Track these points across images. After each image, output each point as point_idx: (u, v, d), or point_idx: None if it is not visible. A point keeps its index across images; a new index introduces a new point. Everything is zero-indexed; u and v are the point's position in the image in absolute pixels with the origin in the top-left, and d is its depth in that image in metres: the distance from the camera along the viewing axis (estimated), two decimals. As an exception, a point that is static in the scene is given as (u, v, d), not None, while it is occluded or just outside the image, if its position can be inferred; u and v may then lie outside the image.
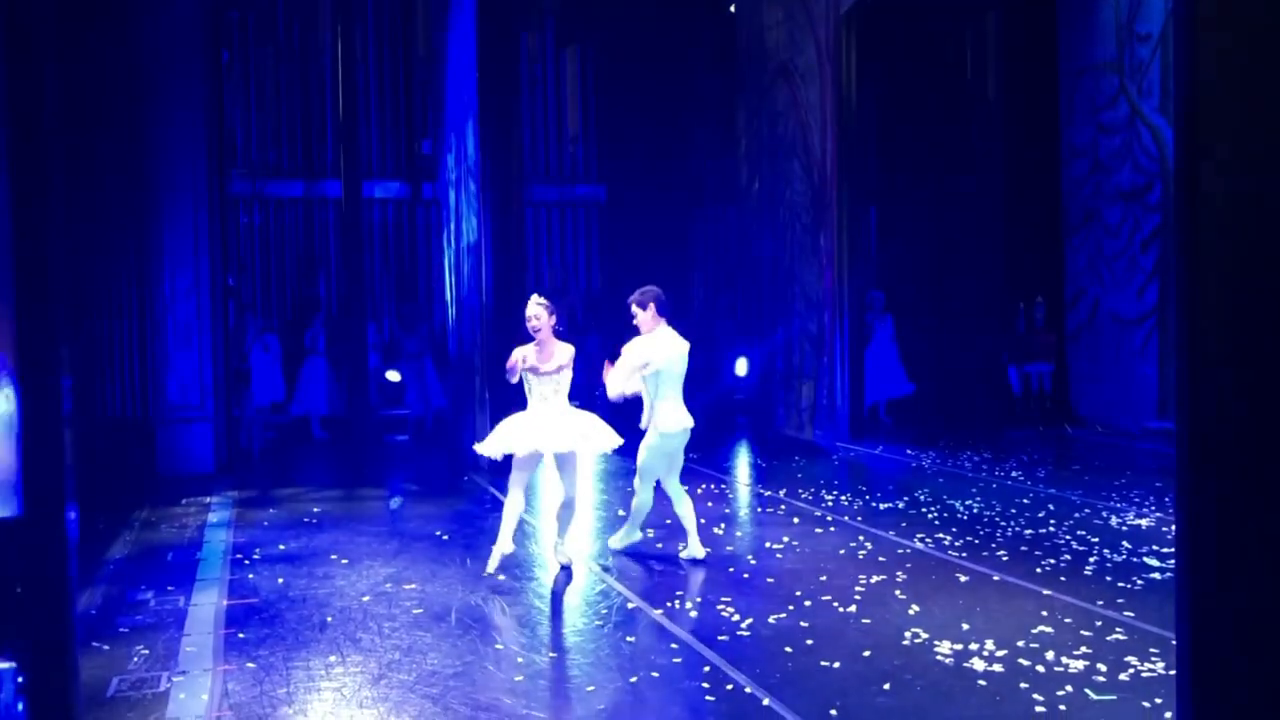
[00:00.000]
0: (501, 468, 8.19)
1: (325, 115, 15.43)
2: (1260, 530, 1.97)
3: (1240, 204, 2.05)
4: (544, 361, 7.13)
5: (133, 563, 7.76)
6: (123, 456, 9.53)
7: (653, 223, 15.36)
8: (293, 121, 15.45)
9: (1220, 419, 2.05)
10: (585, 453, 7.43)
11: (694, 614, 6.28)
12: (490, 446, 7.20)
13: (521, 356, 7.13)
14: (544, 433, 7.07)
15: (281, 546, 8.13)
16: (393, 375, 14.06)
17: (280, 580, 7.12)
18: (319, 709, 4.86)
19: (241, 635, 5.94)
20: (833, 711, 4.75)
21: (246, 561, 7.68)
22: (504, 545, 7.18)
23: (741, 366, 15.39)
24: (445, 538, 8.35)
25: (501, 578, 7.10)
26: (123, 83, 9.94)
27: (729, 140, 15.52)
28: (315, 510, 9.53)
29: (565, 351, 7.19)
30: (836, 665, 5.35)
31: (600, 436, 7.23)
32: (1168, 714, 4.64)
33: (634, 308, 7.51)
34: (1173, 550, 7.54)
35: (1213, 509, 2.04)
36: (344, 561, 7.60)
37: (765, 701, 4.89)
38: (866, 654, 5.51)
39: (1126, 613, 6.11)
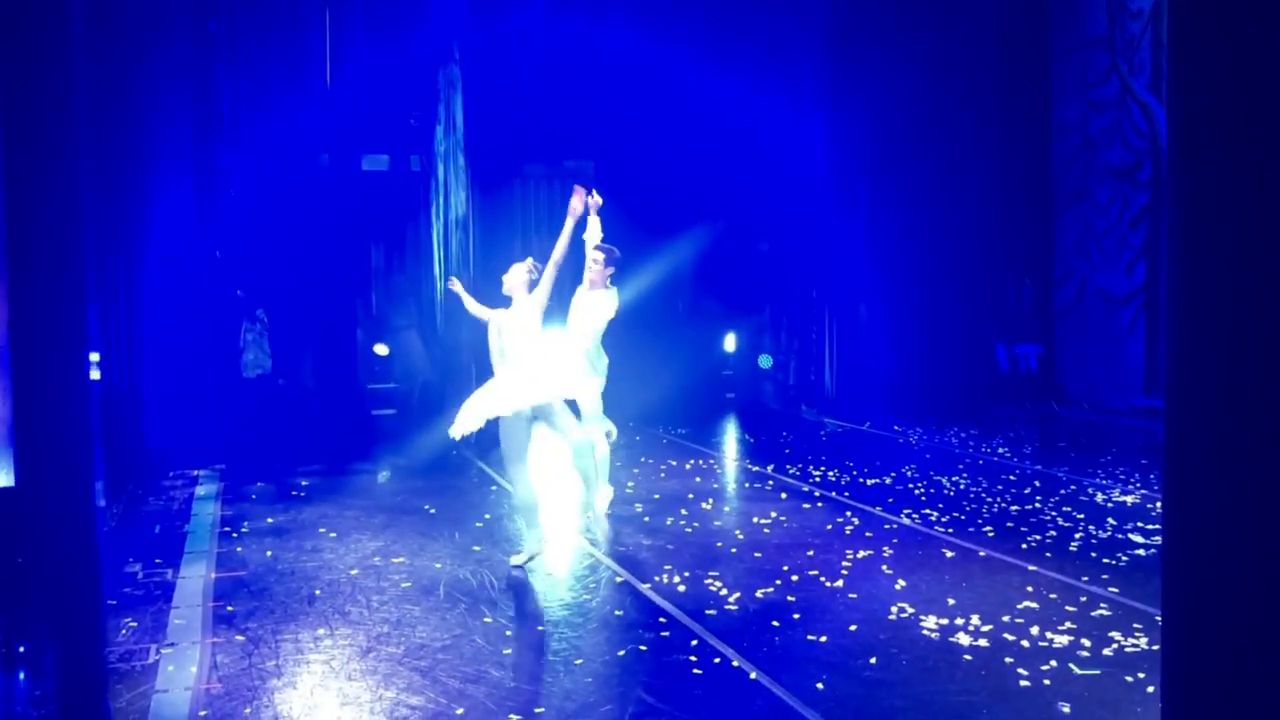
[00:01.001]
0: (488, 442, 8.17)
1: (314, 86, 15.28)
2: (1245, 508, 1.98)
3: (1231, 182, 2.05)
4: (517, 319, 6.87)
5: (120, 535, 7.74)
6: (110, 429, 9.50)
7: (644, 196, 15.29)
8: (281, 93, 15.30)
9: (1207, 397, 2.06)
10: (556, 396, 6.91)
11: (682, 588, 6.31)
12: (461, 423, 6.72)
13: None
14: (507, 392, 6.70)
15: (269, 520, 8.13)
16: (380, 349, 14.00)
17: (268, 553, 7.12)
18: (308, 681, 4.87)
19: (230, 608, 5.94)
20: (819, 685, 4.78)
21: (234, 535, 7.68)
22: (534, 545, 6.79)
23: (730, 342, 15.39)
24: (433, 511, 8.36)
25: (478, 548, 7.12)
26: (109, 54, 9.83)
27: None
28: (303, 484, 9.53)
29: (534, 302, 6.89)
30: (823, 639, 5.38)
31: (563, 378, 7.05)
32: (1150, 688, 4.68)
33: (603, 260, 7.92)
34: (1157, 527, 7.60)
35: (1198, 486, 2.05)
36: (332, 535, 7.60)
37: (752, 675, 4.92)
38: (853, 628, 5.54)
39: (1111, 589, 6.16)
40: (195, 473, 9.98)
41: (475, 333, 11.99)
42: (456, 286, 7.46)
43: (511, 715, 4.46)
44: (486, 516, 8.19)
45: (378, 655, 5.19)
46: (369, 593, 6.21)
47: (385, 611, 5.87)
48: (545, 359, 6.95)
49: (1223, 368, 2.03)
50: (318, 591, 6.23)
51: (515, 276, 6.99)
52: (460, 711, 4.50)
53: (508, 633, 5.51)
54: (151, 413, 11.00)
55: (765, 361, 15.17)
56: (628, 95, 14.63)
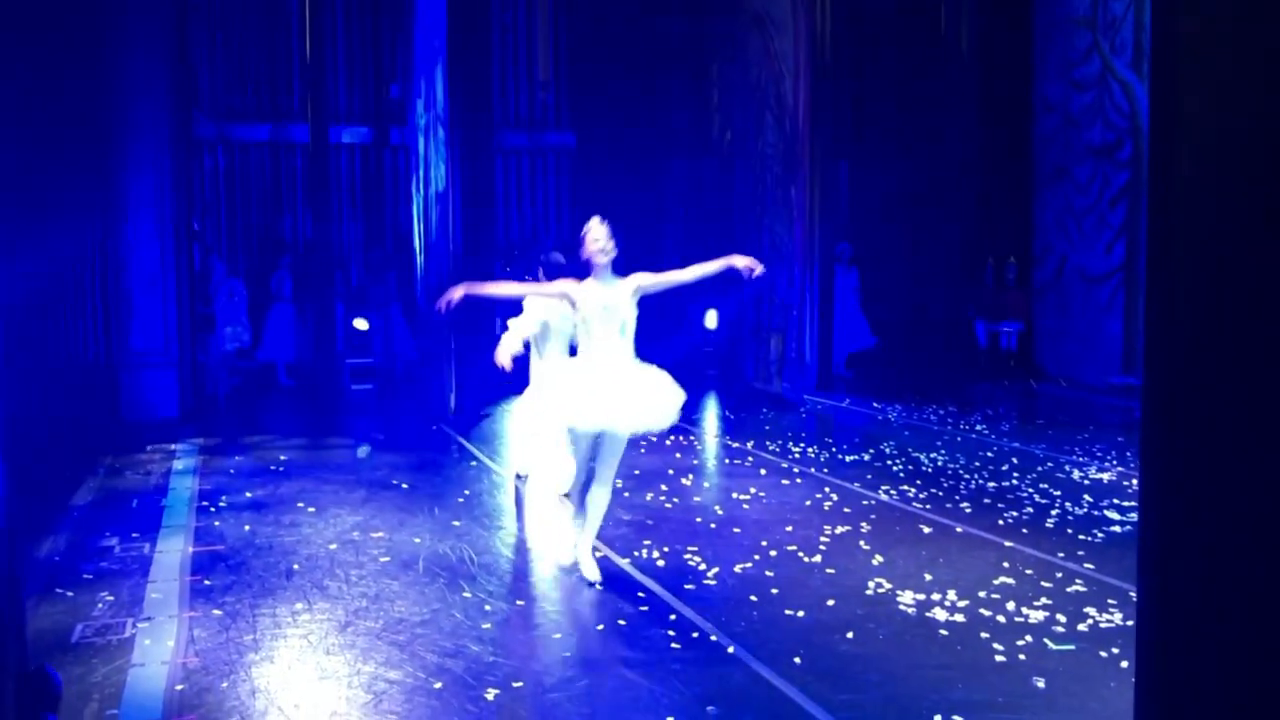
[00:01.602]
0: (467, 419, 8.18)
1: (292, 58, 15.15)
2: (1221, 486, 1.99)
3: (1212, 161, 2.05)
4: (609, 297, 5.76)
5: (97, 509, 7.70)
6: (86, 402, 9.43)
7: (625, 171, 15.25)
8: (259, 64, 15.17)
9: (1184, 375, 2.07)
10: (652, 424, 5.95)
11: (661, 563, 6.33)
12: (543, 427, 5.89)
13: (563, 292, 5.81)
14: (609, 404, 5.68)
15: (248, 494, 8.10)
16: (360, 323, 13.95)
17: (246, 528, 7.09)
18: (285, 656, 4.87)
19: (207, 582, 5.92)
20: (796, 659, 4.81)
21: (212, 509, 7.64)
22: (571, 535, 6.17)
23: (711, 319, 15.39)
24: (413, 487, 8.35)
25: (457, 523, 7.11)
26: (85, 23, 9.71)
27: (701, 89, 15.40)
28: (282, 458, 9.49)
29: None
30: (800, 614, 5.41)
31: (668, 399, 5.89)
32: (1125, 663, 4.73)
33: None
34: (1133, 504, 7.67)
35: (1176, 464, 2.06)
36: (311, 509, 7.58)
37: (730, 649, 4.94)
38: (830, 603, 5.57)
39: (1087, 565, 6.21)
40: (173, 446, 9.92)
41: (456, 307, 11.99)
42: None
43: (490, 689, 4.46)
44: (466, 492, 8.18)
45: (356, 630, 5.19)
46: (347, 567, 6.20)
47: (364, 586, 5.86)
48: (650, 375, 5.88)
49: (1201, 344, 2.03)
50: (296, 566, 6.22)
51: (607, 239, 5.81)
52: (438, 685, 4.50)
53: (487, 607, 5.52)
54: (128, 385, 10.94)
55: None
56: (608, 68, 14.57)
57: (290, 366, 13.81)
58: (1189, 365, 2.05)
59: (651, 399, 5.79)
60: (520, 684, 4.53)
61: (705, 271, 6.00)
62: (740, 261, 6.06)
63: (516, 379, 14.08)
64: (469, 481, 8.59)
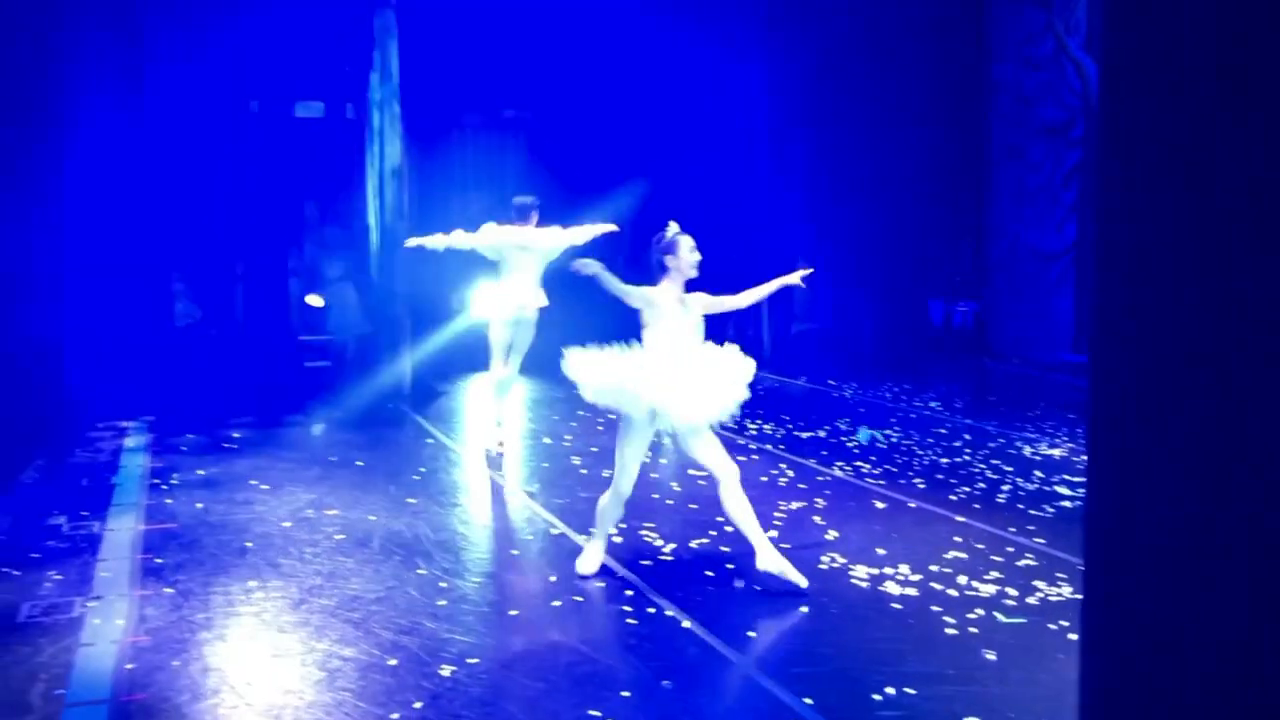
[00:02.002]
0: (423, 396, 8.12)
1: (245, 29, 14.86)
2: (1164, 462, 2.02)
3: (1158, 137, 2.07)
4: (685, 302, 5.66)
5: (45, 487, 7.58)
6: (34, 379, 9.26)
7: (585, 148, 15.16)
8: (213, 35, 14.86)
9: (1130, 351, 2.09)
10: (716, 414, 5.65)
11: (618, 540, 6.33)
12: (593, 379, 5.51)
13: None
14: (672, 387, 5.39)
15: (200, 471, 8.01)
16: (314, 300, 13.79)
17: (199, 505, 7.02)
18: (238, 633, 4.83)
19: (159, 560, 5.85)
20: (751, 634, 4.85)
21: (164, 486, 7.55)
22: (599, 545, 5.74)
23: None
24: (368, 464, 8.29)
25: (413, 500, 7.08)
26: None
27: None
28: (235, 435, 9.39)
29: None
30: (756, 589, 5.44)
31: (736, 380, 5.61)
32: (1073, 636, 4.81)
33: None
34: (1083, 479, 7.78)
35: (1119, 442, 2.08)
36: (264, 487, 7.51)
37: (685, 624, 4.97)
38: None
39: (1037, 539, 6.30)
40: (123, 424, 9.78)
41: (411, 285, 11.90)
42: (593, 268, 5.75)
43: (445, 666, 4.46)
44: (422, 469, 8.14)
45: (310, 607, 5.15)
46: (302, 545, 6.15)
47: (318, 564, 5.82)
48: (719, 365, 5.65)
49: (1146, 322, 2.06)
50: (249, 544, 6.16)
51: (690, 245, 5.69)
52: (393, 663, 4.49)
53: (442, 584, 5.50)
54: (75, 363, 10.75)
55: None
56: (566, 46, 14.47)
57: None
58: (1134, 342, 2.07)
59: (715, 390, 5.55)
60: (475, 660, 4.53)
61: (761, 294, 5.92)
62: (794, 278, 5.97)
63: (475, 359, 14.00)
64: (425, 459, 8.55)
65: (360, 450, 8.79)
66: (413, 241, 8.74)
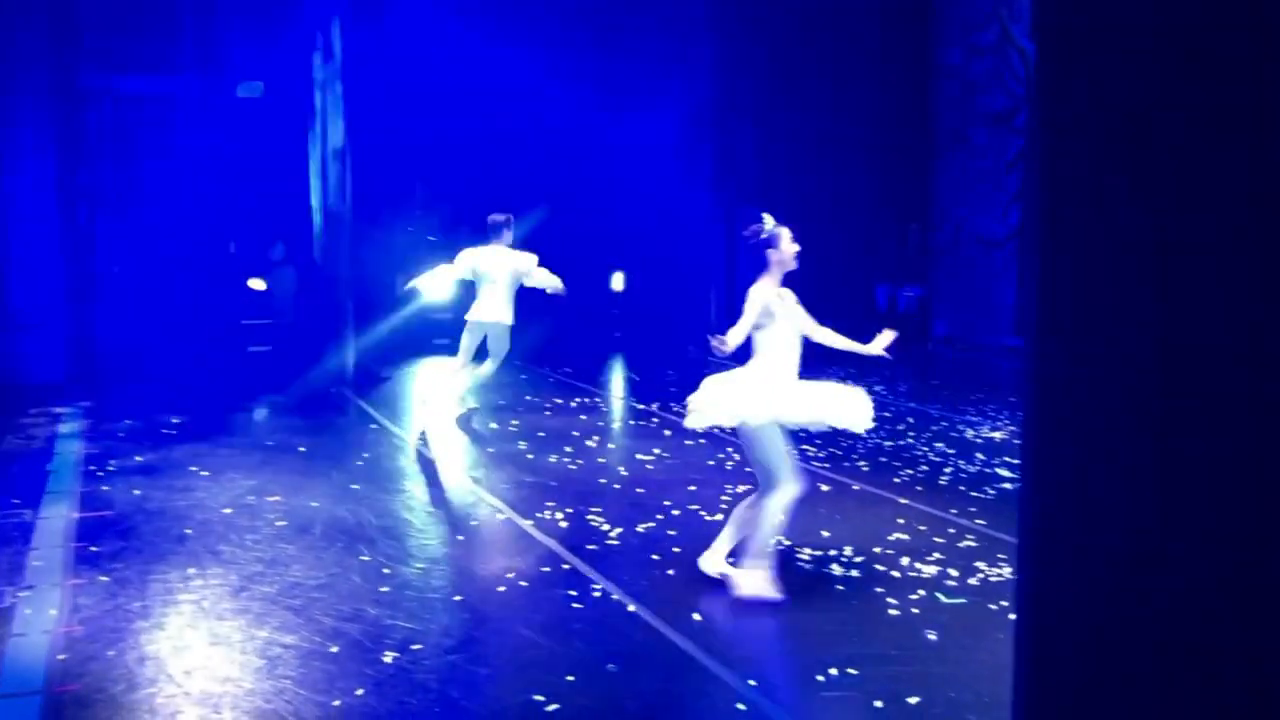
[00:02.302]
0: (367, 382, 8.03)
1: (184, 7, 14.55)
2: (1100, 443, 2.04)
3: (1094, 122, 2.08)
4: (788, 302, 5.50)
5: (-25, 475, 7.41)
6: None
7: (531, 132, 15.07)
8: (149, 14, 14.53)
9: (1067, 335, 2.11)
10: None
11: (564, 524, 6.32)
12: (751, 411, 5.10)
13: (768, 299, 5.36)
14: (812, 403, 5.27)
15: (138, 458, 7.86)
16: (256, 284, 13.58)
17: (136, 492, 6.88)
18: (176, 622, 4.74)
19: (94, 549, 5.73)
20: (696, 617, 4.85)
21: (100, 473, 7.40)
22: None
23: (618, 281, 15.37)
24: (310, 450, 8.19)
25: (356, 486, 7.01)
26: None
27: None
28: (175, 421, 9.22)
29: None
30: (701, 572, 5.44)
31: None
32: (1012, 616, 4.88)
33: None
34: (1023, 461, 7.90)
35: (1056, 426, 2.10)
36: (204, 473, 7.39)
37: (630, 608, 4.96)
38: (730, 560, 5.62)
39: (978, 521, 6.37)
40: (58, 410, 9.56)
41: (354, 268, 11.76)
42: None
43: (388, 652, 4.41)
44: (366, 455, 8.06)
45: (250, 594, 5.08)
46: (242, 531, 6.06)
47: (259, 550, 5.74)
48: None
49: (1081, 305, 2.07)
50: (188, 531, 6.06)
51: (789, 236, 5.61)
52: (335, 650, 4.44)
53: (386, 571, 5.45)
54: (8, 348, 10.50)
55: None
56: (513, 32, 14.35)
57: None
58: (1070, 325, 2.09)
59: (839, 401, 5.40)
60: (419, 647, 4.49)
61: (850, 347, 5.79)
62: (880, 346, 5.83)
63: (419, 343, 13.88)
64: (368, 445, 8.46)
65: (303, 436, 8.68)
66: (410, 285, 9.50)
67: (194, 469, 7.51)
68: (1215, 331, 1.82)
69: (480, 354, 9.10)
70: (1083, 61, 2.09)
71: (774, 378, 5.22)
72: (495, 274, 8.88)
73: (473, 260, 8.97)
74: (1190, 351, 1.86)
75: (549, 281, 9.04)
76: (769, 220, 5.56)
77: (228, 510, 6.48)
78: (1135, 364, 1.97)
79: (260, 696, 4.02)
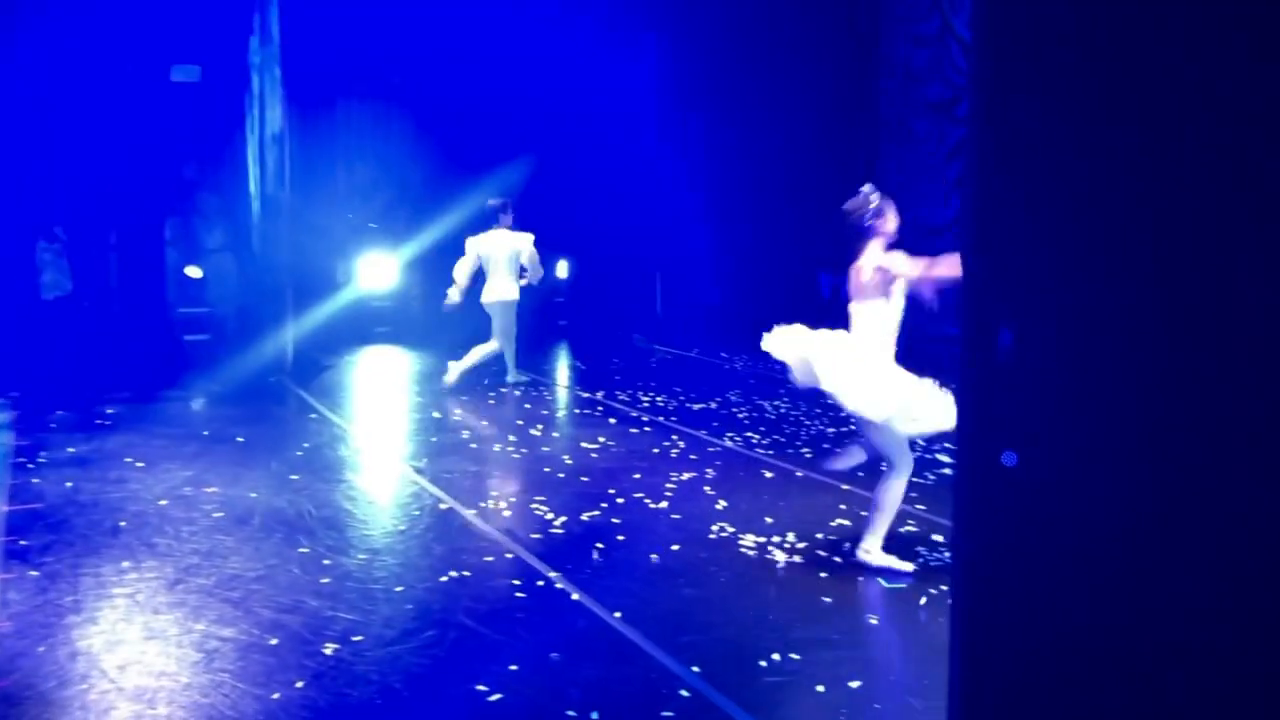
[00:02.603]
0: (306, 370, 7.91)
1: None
2: (1034, 429, 2.06)
3: (1033, 117, 2.09)
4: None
5: (-101, 468, 7.19)
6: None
7: (473, 118, 14.92)
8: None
9: (998, 328, 2.12)
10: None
11: (507, 514, 6.28)
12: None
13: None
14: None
15: (70, 449, 7.68)
16: (193, 271, 13.33)
17: (68, 484, 6.73)
18: (110, 616, 4.64)
19: (24, 542, 5.59)
20: (640, 604, 4.85)
21: (30, 465, 7.22)
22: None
23: (563, 269, 15.31)
24: (249, 440, 8.06)
25: (296, 476, 6.92)
26: None
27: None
28: (108, 412, 9.03)
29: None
30: (645, 560, 5.45)
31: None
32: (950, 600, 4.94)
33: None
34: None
35: (989, 409, 2.12)
36: (139, 465, 7.24)
37: (575, 596, 4.95)
38: (675, 548, 5.64)
39: (918, 506, 6.44)
40: (-14, 401, 9.32)
41: (294, 255, 11.57)
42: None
43: (329, 644, 4.36)
44: (306, 445, 7.95)
45: (187, 587, 4.99)
46: (178, 523, 5.95)
47: (196, 542, 5.63)
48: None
49: (1012, 294, 2.09)
50: (122, 523, 5.93)
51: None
52: (274, 642, 4.37)
53: (326, 562, 5.38)
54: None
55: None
56: (455, 15, 14.19)
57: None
58: (1005, 315, 2.10)
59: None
60: (360, 638, 4.44)
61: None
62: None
63: (359, 332, 13.72)
64: (308, 434, 8.35)
65: (241, 426, 8.54)
66: (450, 295, 10.06)
67: (128, 460, 7.35)
68: (1147, 317, 1.84)
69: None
70: (1020, 59, 2.10)
71: (889, 364, 5.40)
72: (496, 255, 9.88)
73: (476, 247, 9.92)
74: (1120, 338, 1.88)
75: (532, 266, 10.00)
76: (873, 193, 5.69)
77: (163, 502, 6.36)
78: (1067, 350, 1.99)
79: (197, 690, 3.95)
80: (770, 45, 15.20)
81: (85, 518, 6.03)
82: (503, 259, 9.89)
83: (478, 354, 10.04)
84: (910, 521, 6.12)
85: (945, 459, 7.66)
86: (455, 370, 10.03)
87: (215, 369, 10.97)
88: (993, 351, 2.08)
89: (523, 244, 9.97)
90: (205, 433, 8.30)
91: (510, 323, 10.07)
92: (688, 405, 9.64)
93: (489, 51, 14.32)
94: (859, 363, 5.30)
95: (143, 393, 9.96)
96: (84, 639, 4.40)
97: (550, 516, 6.20)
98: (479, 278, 10.05)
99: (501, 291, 9.91)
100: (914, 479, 7.06)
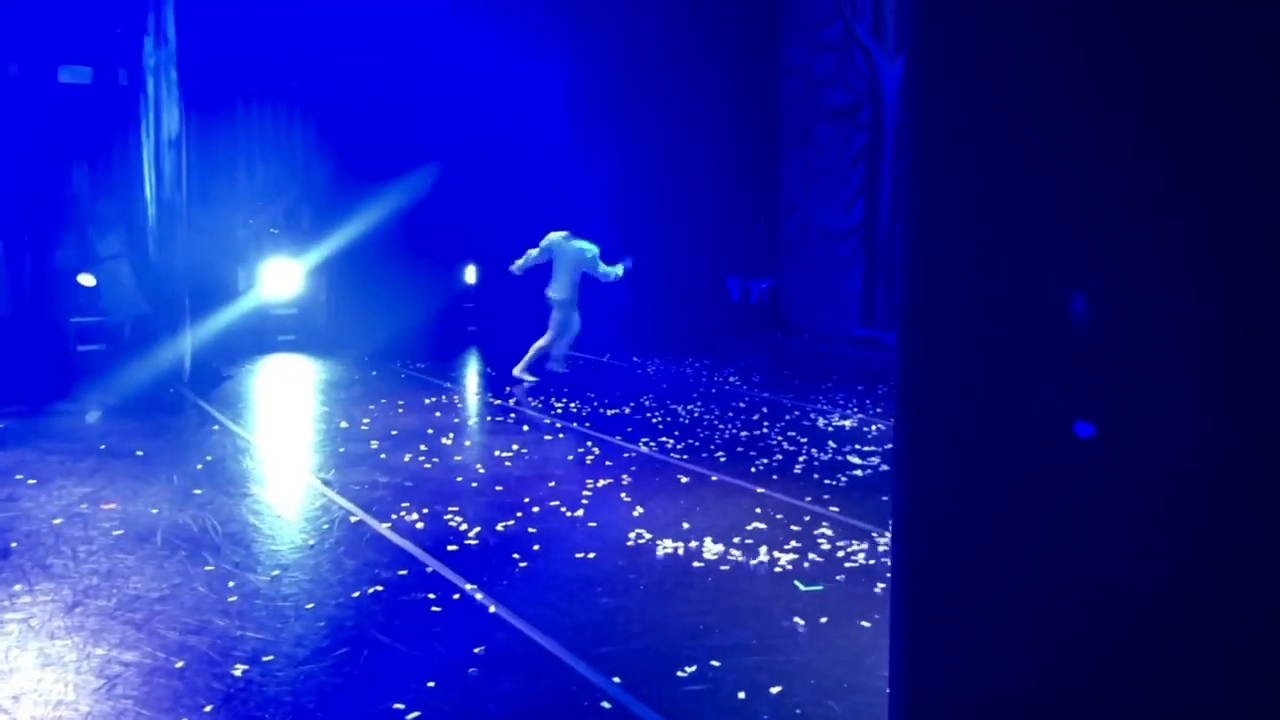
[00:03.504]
0: (206, 381, 7.61)
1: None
2: (968, 430, 2.08)
3: (966, 122, 2.11)
4: None
5: None
6: None
7: (378, 123, 14.67)
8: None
9: (933, 335, 2.14)
10: None
11: (420, 525, 6.17)
12: None
13: None
14: None
15: (-45, 468, 7.33)
16: (86, 279, 12.85)
17: (-46, 505, 6.42)
18: (1, 644, 4.43)
19: (-94, 567, 5.31)
20: (558, 615, 4.80)
21: (-88, 485, 6.87)
22: None
23: (471, 274, 15.16)
24: (148, 454, 7.79)
25: (199, 491, 6.71)
26: None
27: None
28: (-4, 427, 8.65)
29: None
30: (563, 569, 5.40)
31: None
32: (868, 601, 4.99)
33: None
34: (873, 449, 8.12)
35: (927, 413, 2.13)
36: (31, 482, 6.95)
37: (492, 609, 4.88)
38: (592, 556, 5.60)
39: (832, 508, 6.51)
40: None
41: (191, 262, 11.25)
42: None
43: (238, 665, 4.22)
44: (208, 458, 7.72)
45: (85, 610, 4.79)
46: (75, 543, 5.71)
47: (94, 562, 5.42)
48: None
49: (949, 299, 2.10)
50: (14, 544, 5.67)
51: None
52: (180, 665, 4.22)
53: (231, 582, 5.21)
54: None
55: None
56: (357, 18, 13.95)
57: None
58: (939, 320, 2.12)
59: None
60: (270, 658, 4.31)
61: None
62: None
63: (261, 340, 13.40)
64: (210, 447, 8.11)
65: (139, 439, 8.26)
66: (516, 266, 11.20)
67: (19, 477, 7.05)
68: (1067, 319, 1.87)
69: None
70: (955, 75, 2.12)
71: None
72: (563, 257, 10.89)
73: (549, 243, 10.97)
74: (1046, 340, 1.91)
75: (603, 270, 10.99)
76: None
77: (58, 520, 6.11)
78: (998, 352, 2.01)
79: (98, 719, 3.78)
80: (674, 53, 15.28)
81: (-27, 539, 5.75)
82: (567, 261, 10.86)
83: (538, 346, 11.08)
84: (825, 524, 6.19)
85: (856, 460, 7.77)
86: (521, 366, 11.08)
87: (110, 380, 10.59)
88: (928, 367, 2.09)
89: (587, 252, 10.94)
90: (102, 447, 8.00)
91: (569, 320, 11.02)
92: (601, 411, 9.61)
93: (394, 54, 14.11)
94: None
95: (33, 406, 9.57)
96: (-25, 668, 4.19)
97: (465, 527, 6.11)
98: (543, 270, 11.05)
99: (557, 291, 10.91)
100: (825, 480, 7.16)
